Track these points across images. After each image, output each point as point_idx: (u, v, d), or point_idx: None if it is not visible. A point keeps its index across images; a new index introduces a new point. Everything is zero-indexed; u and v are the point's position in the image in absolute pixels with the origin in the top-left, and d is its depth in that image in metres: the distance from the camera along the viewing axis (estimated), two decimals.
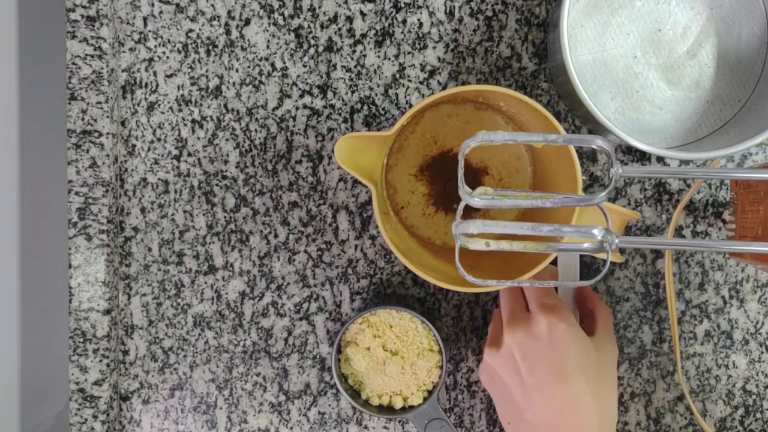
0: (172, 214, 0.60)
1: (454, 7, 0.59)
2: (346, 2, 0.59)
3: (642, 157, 0.59)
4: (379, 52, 0.59)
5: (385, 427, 0.61)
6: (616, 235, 0.40)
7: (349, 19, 0.59)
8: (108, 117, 0.57)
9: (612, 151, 0.38)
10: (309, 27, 0.59)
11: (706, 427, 0.59)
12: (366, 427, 0.61)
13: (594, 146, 0.38)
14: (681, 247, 0.43)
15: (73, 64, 0.57)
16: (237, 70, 0.59)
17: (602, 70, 0.56)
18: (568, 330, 0.50)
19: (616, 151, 0.59)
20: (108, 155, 0.58)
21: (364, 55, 0.59)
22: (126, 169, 0.60)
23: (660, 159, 0.59)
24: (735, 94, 0.57)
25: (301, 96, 0.59)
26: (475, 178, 0.57)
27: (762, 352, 0.60)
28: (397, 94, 0.59)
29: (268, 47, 0.59)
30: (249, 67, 0.59)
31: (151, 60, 0.59)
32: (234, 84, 0.59)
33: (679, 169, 0.41)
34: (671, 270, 0.59)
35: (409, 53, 0.59)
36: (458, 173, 0.39)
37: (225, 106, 0.59)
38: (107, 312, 0.58)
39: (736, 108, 0.57)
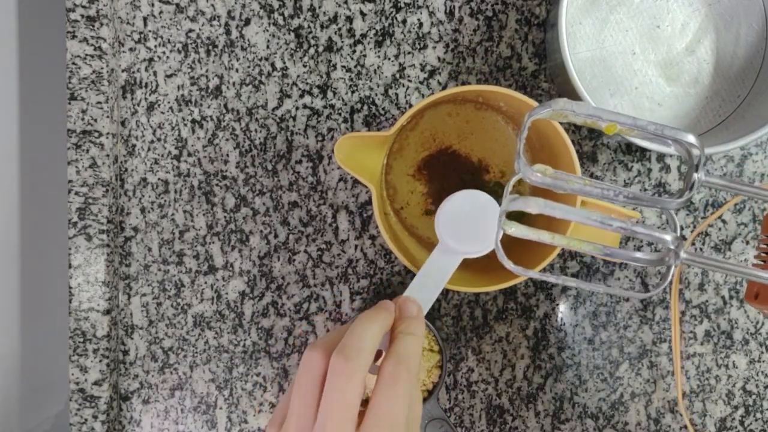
0: (172, 214, 0.60)
1: (454, 7, 0.59)
2: (346, 2, 0.59)
3: (642, 156, 0.59)
4: (379, 52, 0.59)
5: None
6: (683, 246, 0.35)
7: (349, 19, 0.59)
8: (108, 117, 0.57)
9: (703, 153, 0.34)
10: (309, 27, 0.59)
11: (691, 428, 0.59)
12: None
13: (687, 141, 0.34)
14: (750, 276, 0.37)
15: (73, 64, 0.57)
16: (237, 70, 0.59)
17: (601, 68, 0.57)
18: None
19: (616, 151, 0.59)
20: (108, 155, 0.58)
21: (364, 55, 0.59)
22: (126, 169, 0.60)
23: (661, 157, 0.59)
24: (734, 90, 0.57)
25: (301, 96, 0.59)
26: (476, 177, 0.57)
27: (762, 352, 0.60)
28: (397, 94, 0.59)
29: (268, 47, 0.59)
30: (249, 67, 0.59)
31: (151, 60, 0.59)
32: (234, 84, 0.59)
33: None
34: (677, 285, 0.59)
35: (409, 53, 0.59)
36: (519, 143, 0.34)
37: (225, 106, 0.59)
38: (107, 312, 0.58)
39: (735, 104, 0.57)
